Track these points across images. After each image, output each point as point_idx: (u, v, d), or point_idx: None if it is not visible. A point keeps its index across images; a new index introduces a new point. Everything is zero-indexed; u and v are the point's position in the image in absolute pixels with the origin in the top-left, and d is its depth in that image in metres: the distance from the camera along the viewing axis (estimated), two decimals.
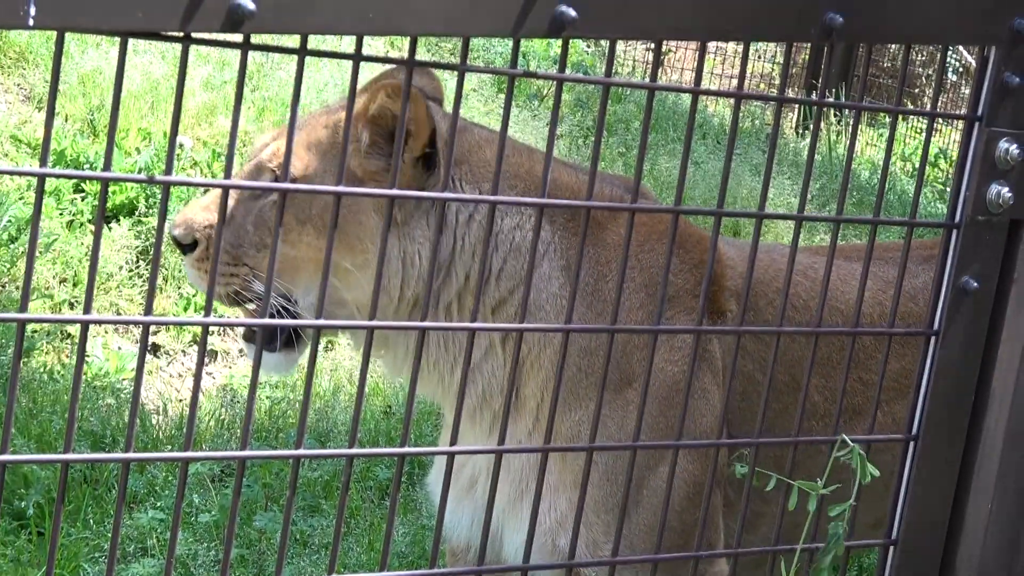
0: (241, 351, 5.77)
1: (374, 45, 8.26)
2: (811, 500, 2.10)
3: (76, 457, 1.70)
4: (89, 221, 6.02)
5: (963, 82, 13.17)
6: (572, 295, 2.02)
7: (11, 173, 2.09)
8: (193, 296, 5.86)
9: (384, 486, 4.97)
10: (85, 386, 5.23)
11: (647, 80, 1.92)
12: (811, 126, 10.39)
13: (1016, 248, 2.15)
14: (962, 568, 2.22)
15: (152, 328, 4.12)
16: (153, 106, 6.83)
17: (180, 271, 5.93)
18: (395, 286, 2.85)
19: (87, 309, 1.66)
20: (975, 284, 2.15)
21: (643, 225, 2.95)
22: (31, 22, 1.51)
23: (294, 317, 2.85)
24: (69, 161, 6.24)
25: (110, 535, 2.08)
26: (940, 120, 11.43)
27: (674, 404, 2.87)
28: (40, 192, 1.61)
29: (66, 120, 6.59)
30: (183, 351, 5.76)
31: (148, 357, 5.61)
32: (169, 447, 4.98)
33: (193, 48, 1.64)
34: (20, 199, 5.88)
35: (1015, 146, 2.11)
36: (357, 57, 1.78)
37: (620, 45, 11.14)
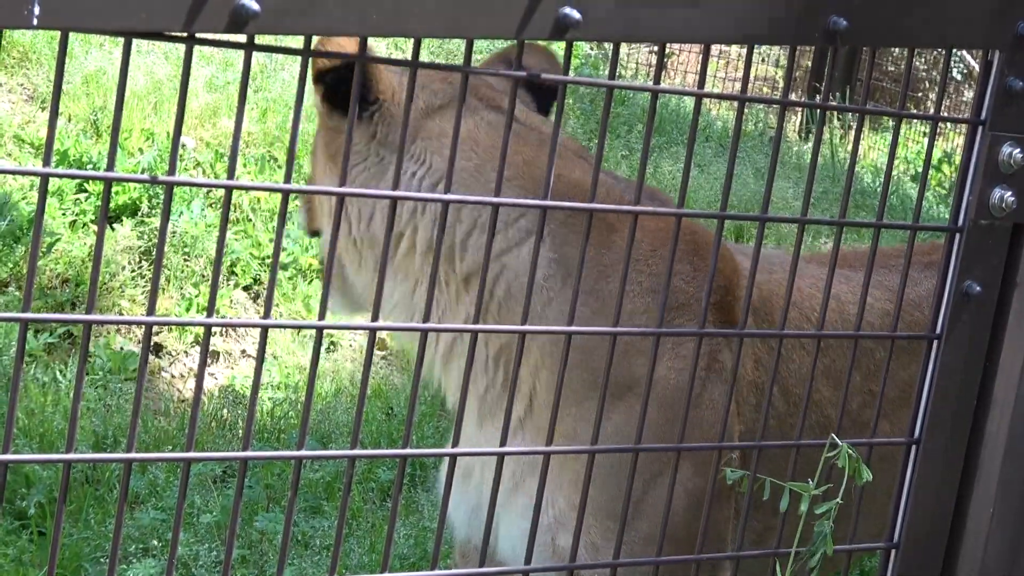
0: (246, 352, 5.76)
1: (377, 47, 8.26)
2: (803, 501, 2.10)
3: (78, 457, 1.70)
4: (92, 221, 6.02)
5: (966, 86, 13.16)
6: (574, 296, 2.01)
7: (14, 173, 2.09)
8: (195, 297, 5.86)
9: (386, 487, 4.97)
10: (87, 386, 5.23)
11: (651, 83, 1.92)
12: (814, 130, 10.39)
13: (1019, 252, 2.15)
14: (963, 572, 2.22)
15: (154, 328, 4.13)
16: (156, 106, 6.83)
17: (183, 271, 5.93)
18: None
19: (90, 309, 1.66)
20: (978, 288, 2.15)
21: (660, 231, 2.91)
22: (35, 22, 1.51)
23: None
24: (72, 161, 6.24)
25: (112, 535, 2.08)
26: (943, 124, 11.40)
27: (680, 414, 2.85)
28: (43, 192, 1.61)
29: (69, 120, 6.59)
30: (185, 351, 5.76)
31: (150, 357, 5.61)
32: (171, 447, 4.99)
33: (197, 49, 1.64)
34: (23, 199, 5.89)
35: (1018, 150, 2.11)
36: (361, 58, 1.78)
37: (624, 48, 11.14)
